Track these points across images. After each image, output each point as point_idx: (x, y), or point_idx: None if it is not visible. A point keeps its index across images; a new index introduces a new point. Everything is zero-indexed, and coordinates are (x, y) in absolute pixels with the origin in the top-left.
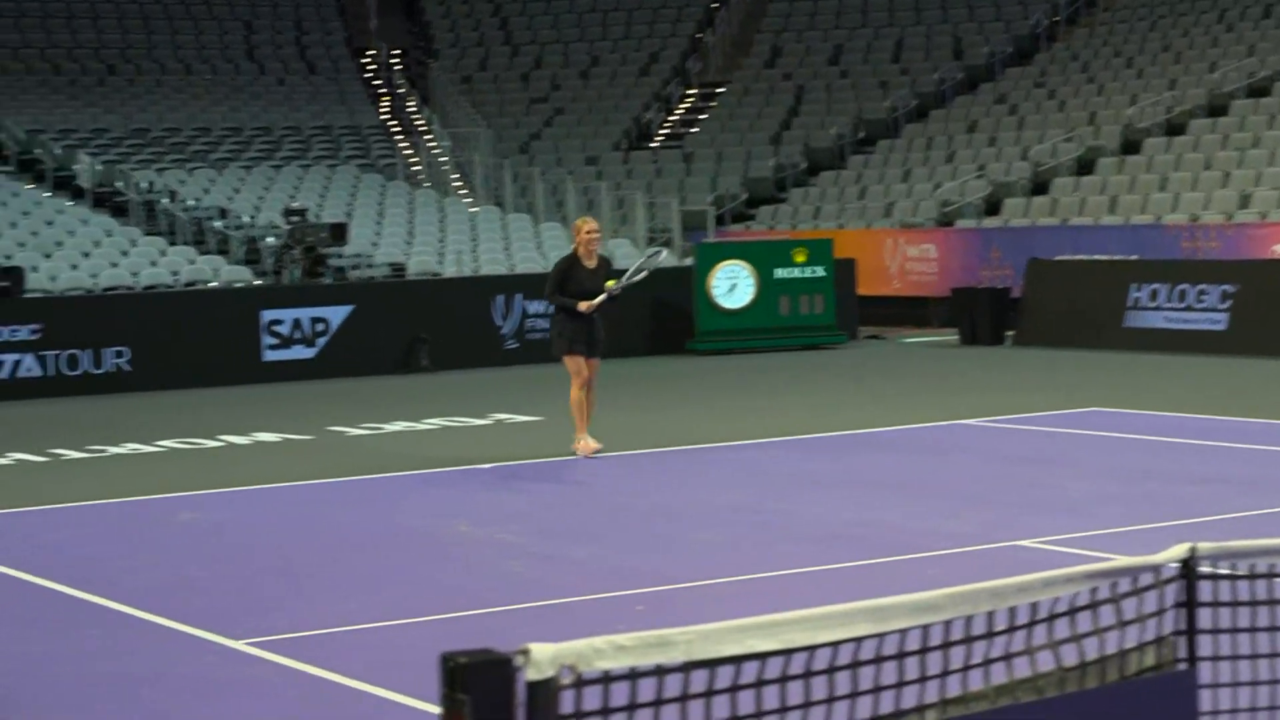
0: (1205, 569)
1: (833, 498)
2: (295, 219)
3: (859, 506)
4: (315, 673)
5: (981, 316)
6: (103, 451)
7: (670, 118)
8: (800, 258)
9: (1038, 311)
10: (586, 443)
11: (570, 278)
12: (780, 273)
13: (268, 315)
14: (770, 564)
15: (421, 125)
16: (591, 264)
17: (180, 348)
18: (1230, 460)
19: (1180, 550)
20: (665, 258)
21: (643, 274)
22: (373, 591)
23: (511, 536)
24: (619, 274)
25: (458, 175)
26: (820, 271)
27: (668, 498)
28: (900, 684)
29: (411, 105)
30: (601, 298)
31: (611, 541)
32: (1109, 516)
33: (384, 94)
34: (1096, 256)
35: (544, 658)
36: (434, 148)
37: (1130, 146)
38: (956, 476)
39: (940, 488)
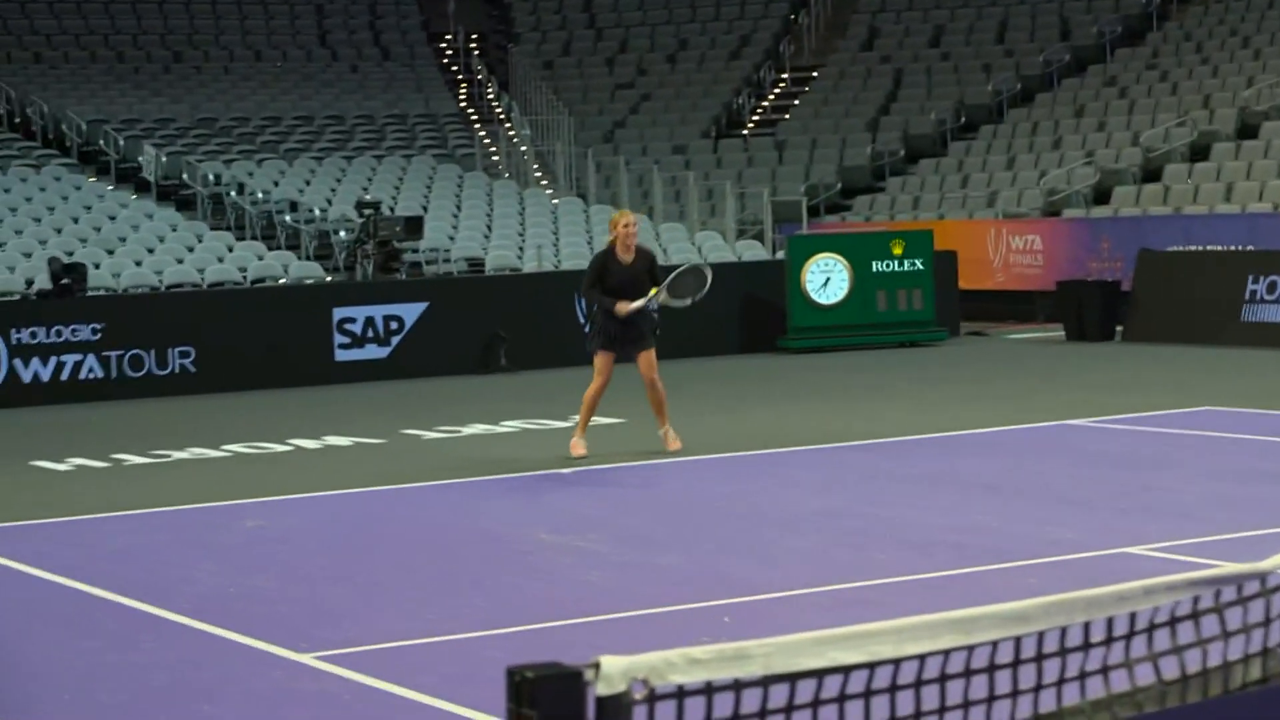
0: None
1: (930, 502)
2: (368, 212)
3: (957, 511)
4: (385, 688)
5: (1090, 311)
6: (166, 456)
7: (762, 104)
8: (898, 250)
9: (1149, 306)
10: (667, 438)
11: (606, 273)
12: (877, 266)
13: (339, 313)
14: (864, 572)
15: (500, 113)
16: (629, 258)
17: (248, 347)
18: None
19: None
20: (709, 282)
21: (688, 301)
22: (446, 602)
23: (592, 544)
24: (663, 270)
25: (538, 165)
26: (919, 264)
27: (756, 502)
28: (990, 699)
29: (490, 92)
30: (638, 303)
31: (697, 549)
32: (1222, 522)
33: (461, 81)
34: (1211, 247)
35: (615, 671)
36: (514, 136)
37: (1247, 130)
38: (1061, 480)
39: (1043, 491)
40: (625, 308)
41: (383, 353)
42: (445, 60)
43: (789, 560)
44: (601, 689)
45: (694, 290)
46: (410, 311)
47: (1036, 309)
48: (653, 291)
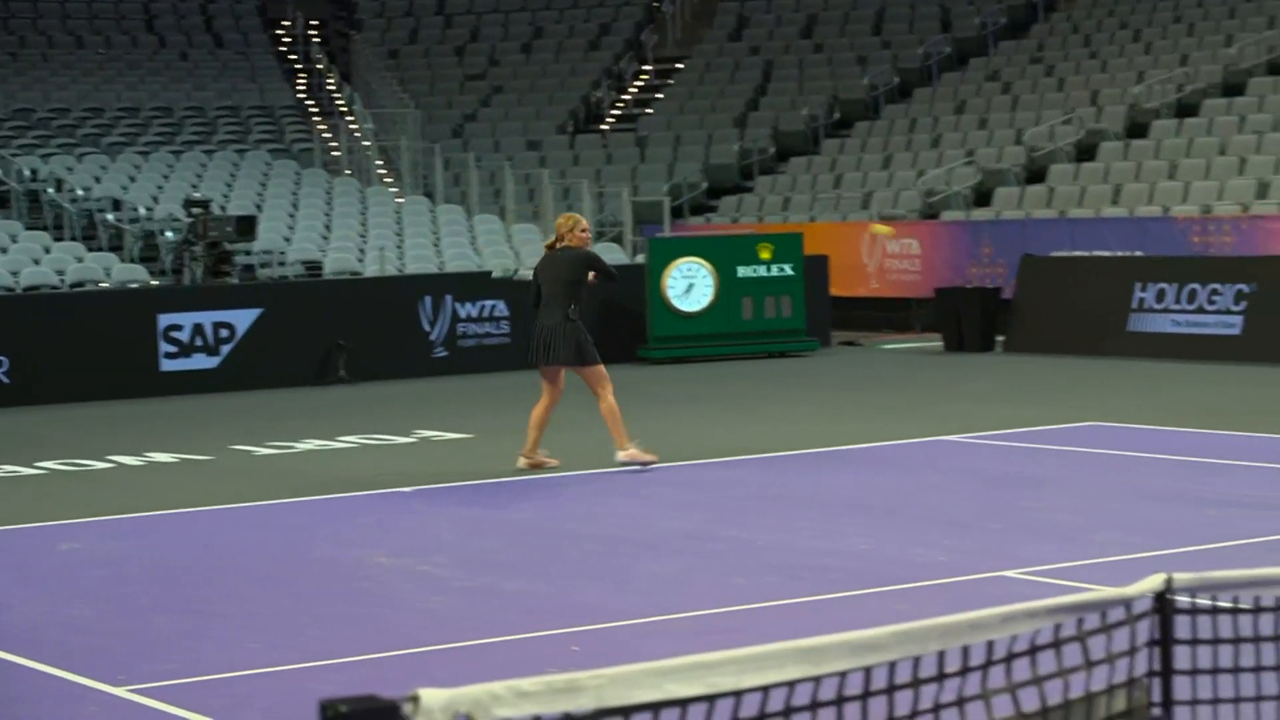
0: (1183, 603)
1: (797, 524)
2: (198, 211)
3: (826, 534)
4: None
5: (969, 320)
6: None
7: (622, 97)
8: (766, 254)
9: (1031, 314)
10: (638, 452)
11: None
12: (743, 271)
13: (165, 320)
14: (725, 598)
15: (342, 105)
16: None
17: (66, 357)
18: (1241, 481)
19: (1155, 581)
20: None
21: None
22: (276, 632)
23: (435, 568)
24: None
25: (382, 162)
26: (788, 270)
27: (612, 523)
28: None
29: (330, 83)
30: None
31: (547, 573)
32: (1106, 544)
33: (300, 70)
34: (1097, 253)
35: (435, 705)
36: (355, 131)
37: (1136, 129)
38: (936, 499)
39: (918, 512)
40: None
41: (212, 363)
42: (282, 48)
43: (645, 585)
44: None
45: None
46: (242, 318)
47: (913, 318)
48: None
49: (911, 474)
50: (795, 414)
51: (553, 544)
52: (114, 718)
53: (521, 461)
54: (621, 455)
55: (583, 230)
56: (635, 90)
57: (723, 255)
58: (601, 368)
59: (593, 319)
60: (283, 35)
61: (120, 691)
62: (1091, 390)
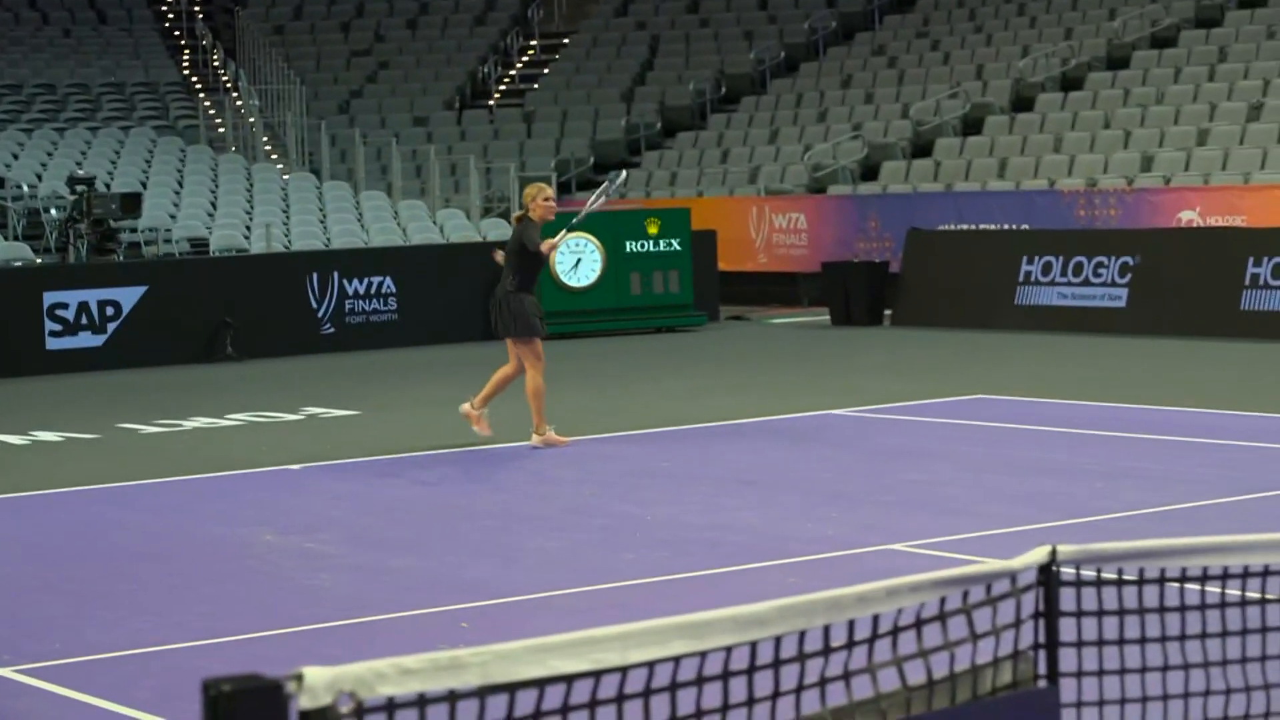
0: (1068, 575)
1: (684, 498)
2: (82, 188)
3: (714, 508)
4: (94, 703)
5: (857, 294)
6: None
7: (509, 73)
8: (653, 229)
9: (919, 288)
10: (552, 435)
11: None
12: (631, 246)
13: (50, 298)
14: (613, 573)
15: (227, 82)
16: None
17: None
18: (1129, 452)
19: (1040, 554)
20: (623, 178)
21: (603, 200)
22: (162, 611)
23: (321, 545)
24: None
25: (268, 138)
26: (676, 245)
27: (500, 499)
28: (725, 708)
29: (215, 59)
30: (562, 234)
31: (434, 550)
32: (994, 517)
33: (184, 46)
34: (984, 226)
35: (319, 683)
36: (241, 107)
37: (1022, 103)
38: (824, 473)
39: (806, 485)
40: (550, 243)
41: (98, 341)
42: (166, 24)
43: (534, 561)
44: (305, 702)
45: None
46: (128, 296)
47: (801, 292)
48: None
49: (800, 447)
50: (684, 388)
51: (441, 520)
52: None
53: (464, 407)
54: (536, 439)
55: (544, 199)
56: (522, 65)
57: (610, 231)
58: (537, 344)
59: (477, 296)
60: (166, 11)
61: (5, 671)
62: (979, 363)
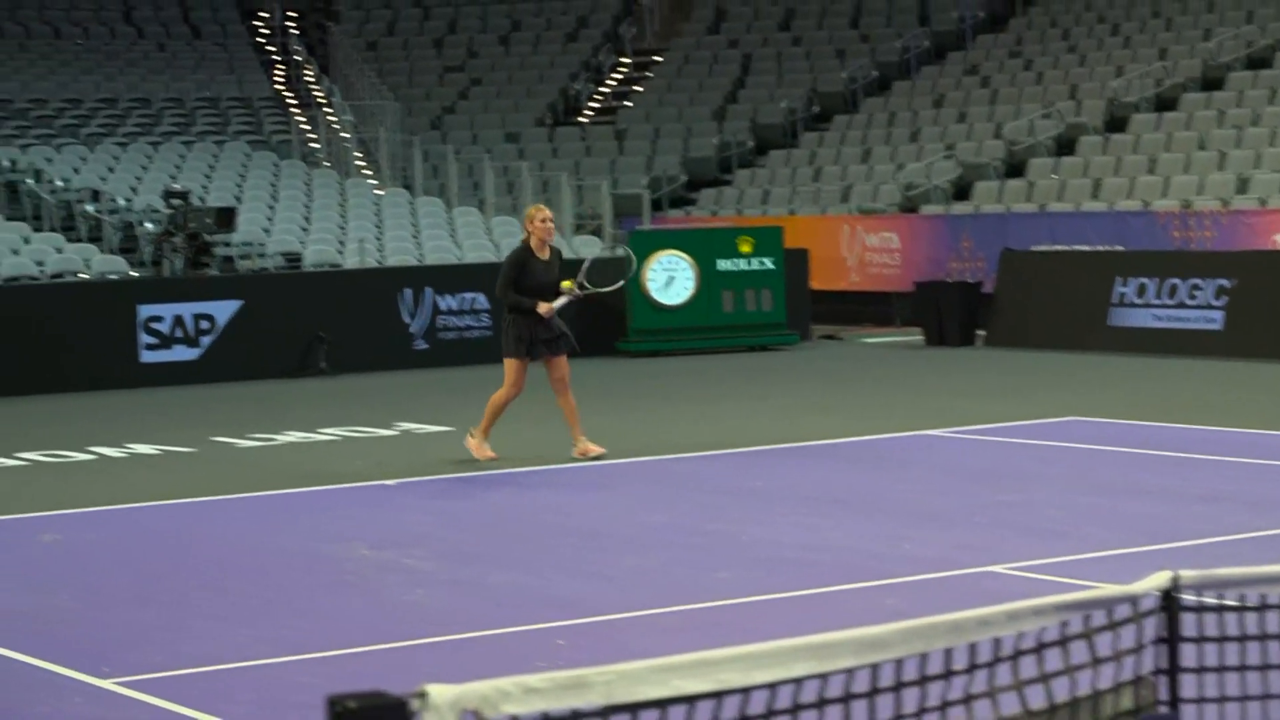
0: (1189, 600)
1: (779, 518)
2: (177, 202)
3: (808, 528)
4: (193, 715)
5: (949, 314)
6: None
7: (601, 89)
8: (746, 248)
9: (1012, 309)
10: (483, 448)
11: (524, 272)
12: (723, 264)
13: (145, 311)
14: (707, 593)
15: (320, 97)
16: (545, 256)
17: (46, 348)
18: (1227, 476)
19: (1161, 579)
20: (634, 264)
21: (619, 284)
22: (259, 624)
23: (416, 561)
24: (573, 265)
25: (361, 153)
26: (768, 263)
27: (593, 517)
28: None
29: (309, 74)
30: (562, 300)
31: (530, 566)
32: (1090, 539)
33: (278, 62)
34: (1077, 247)
35: (443, 701)
36: (334, 122)
37: (1115, 124)
38: (919, 494)
39: (900, 506)
40: (548, 307)
41: (192, 354)
42: (261, 39)
43: (627, 579)
44: None
45: (621, 275)
46: (222, 310)
47: (893, 311)
48: (566, 284)
49: (894, 468)
50: (776, 408)
51: (535, 537)
52: (99, 709)
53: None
54: (470, 441)
55: (542, 220)
56: (614, 83)
57: (703, 248)
58: (509, 364)
59: (573, 310)
60: (261, 26)
61: (105, 684)
62: (1073, 385)
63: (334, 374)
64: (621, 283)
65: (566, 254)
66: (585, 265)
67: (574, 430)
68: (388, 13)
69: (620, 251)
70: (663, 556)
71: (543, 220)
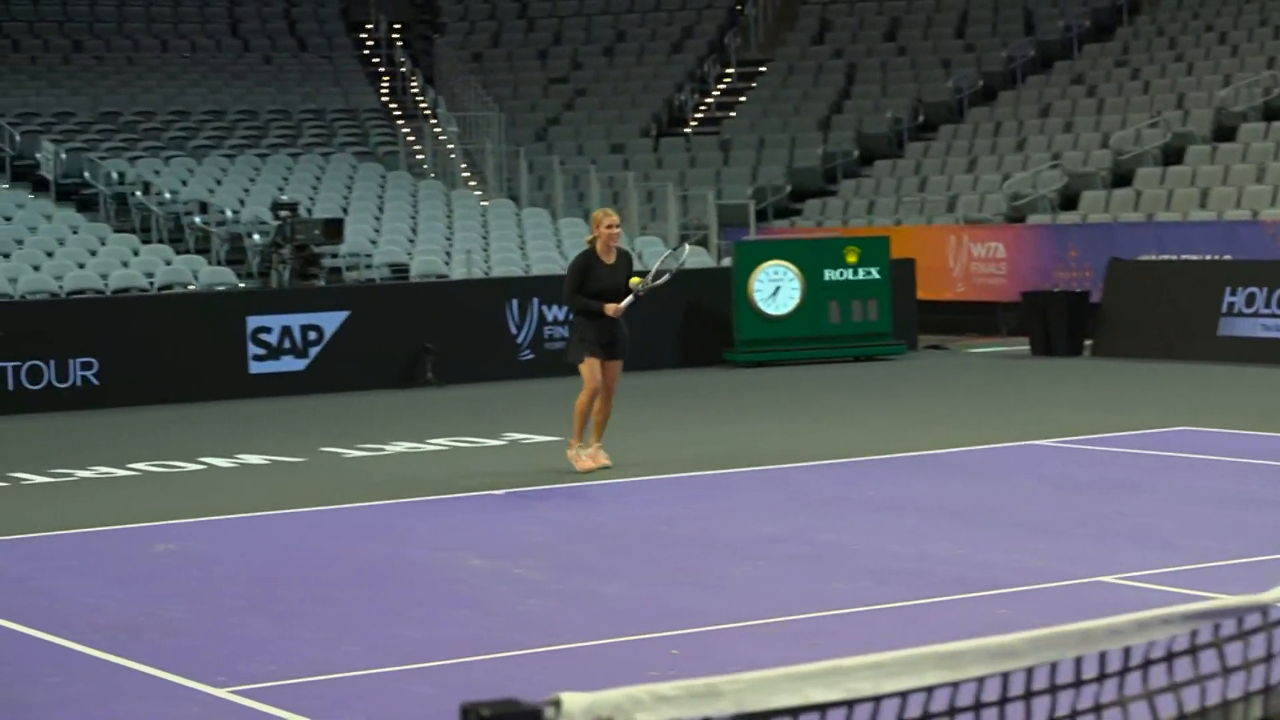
0: None
1: (888, 528)
2: (284, 214)
3: (918, 538)
4: None
5: (1056, 324)
6: (68, 475)
7: (706, 100)
8: (852, 258)
9: (1120, 318)
10: (593, 455)
11: (590, 276)
12: (829, 274)
13: (254, 322)
14: (818, 602)
15: (426, 109)
16: (611, 260)
17: (155, 359)
18: None
19: None
20: (688, 254)
21: (665, 276)
22: (371, 633)
23: (527, 571)
24: (641, 272)
25: (466, 165)
26: (874, 273)
27: (703, 527)
28: None
29: (414, 86)
30: (628, 300)
31: (640, 576)
32: (1202, 550)
33: (384, 74)
34: (1186, 256)
35: (577, 709)
36: (440, 134)
37: (1224, 133)
38: (1028, 504)
39: (1010, 517)
40: (616, 308)
41: (300, 365)
42: (366, 51)
43: (738, 589)
44: None
45: (672, 262)
46: (330, 321)
47: (1000, 321)
48: (635, 280)
49: (1002, 479)
50: (883, 418)
51: (645, 547)
52: (215, 717)
53: (573, 454)
54: (569, 452)
55: (607, 226)
56: (719, 93)
57: (809, 258)
58: (582, 367)
59: (677, 322)
60: (366, 39)
61: (221, 692)
62: (1182, 395)
63: (440, 384)
64: (668, 274)
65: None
66: (654, 268)
67: (596, 434)
68: (492, 24)
69: (679, 248)
70: (774, 567)
71: (609, 225)
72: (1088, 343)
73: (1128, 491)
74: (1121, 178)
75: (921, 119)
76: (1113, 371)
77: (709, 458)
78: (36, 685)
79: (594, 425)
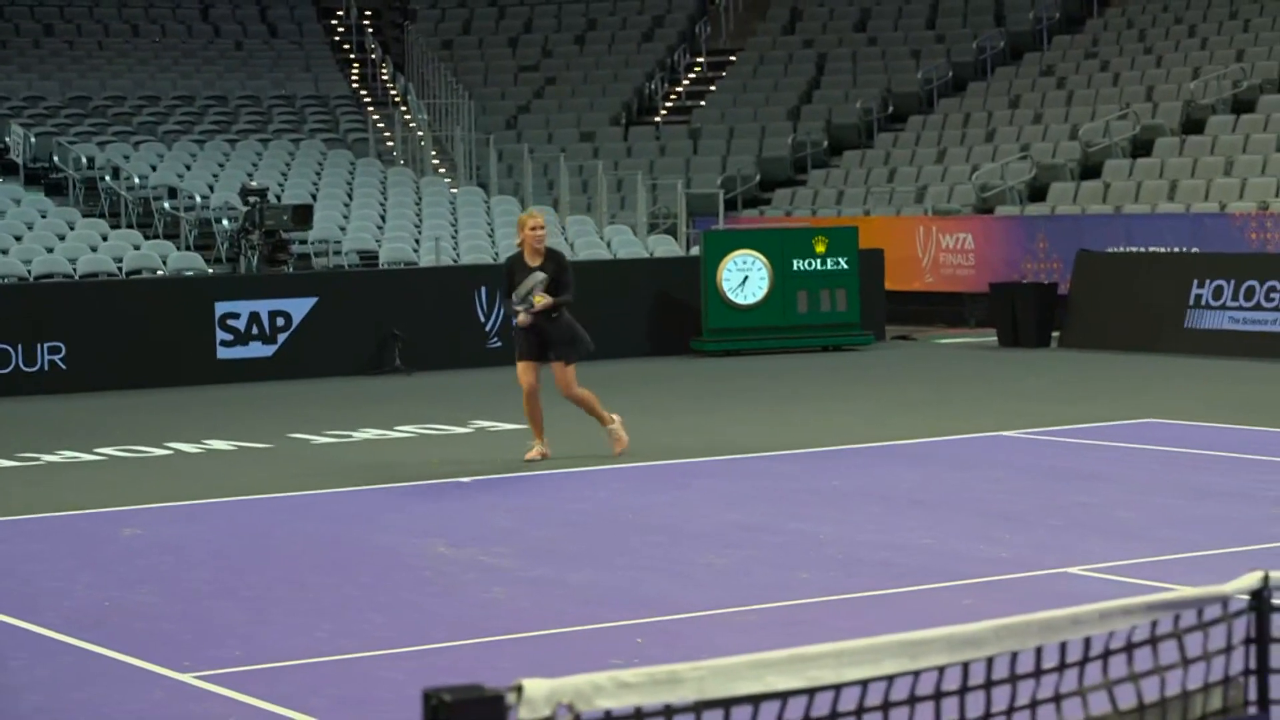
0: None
1: (855, 517)
2: (254, 199)
3: (885, 528)
4: (274, 710)
5: (1024, 315)
6: (35, 459)
7: (676, 89)
8: (821, 248)
9: (1087, 310)
10: (537, 449)
11: (515, 279)
12: (798, 264)
13: (222, 308)
14: (785, 591)
15: (396, 96)
16: (536, 262)
17: (123, 344)
18: None
19: (1252, 579)
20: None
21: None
22: (338, 619)
23: (495, 558)
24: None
25: (436, 152)
26: (843, 263)
27: (671, 515)
28: None
29: (385, 73)
30: (521, 307)
31: (607, 564)
32: (1167, 541)
33: (354, 60)
34: (1154, 249)
35: (539, 695)
36: (410, 121)
37: (1192, 125)
38: (995, 495)
39: (976, 507)
40: (524, 320)
41: (268, 351)
42: (336, 38)
43: (705, 577)
44: (524, 713)
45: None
46: (298, 307)
47: (968, 312)
48: (538, 299)
49: (969, 469)
50: (851, 408)
51: (613, 535)
52: (181, 703)
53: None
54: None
55: (531, 228)
56: (689, 82)
57: (777, 248)
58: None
59: (646, 310)
60: (336, 25)
61: (186, 678)
62: (1149, 387)
63: (409, 372)
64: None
65: (641, 253)
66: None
67: (601, 420)
68: (463, 11)
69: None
70: (741, 555)
71: (532, 228)
72: (1055, 334)
73: (1094, 482)
74: (1090, 169)
75: (891, 109)
76: (1080, 363)
77: (677, 446)
78: (2, 669)
79: (534, 422)
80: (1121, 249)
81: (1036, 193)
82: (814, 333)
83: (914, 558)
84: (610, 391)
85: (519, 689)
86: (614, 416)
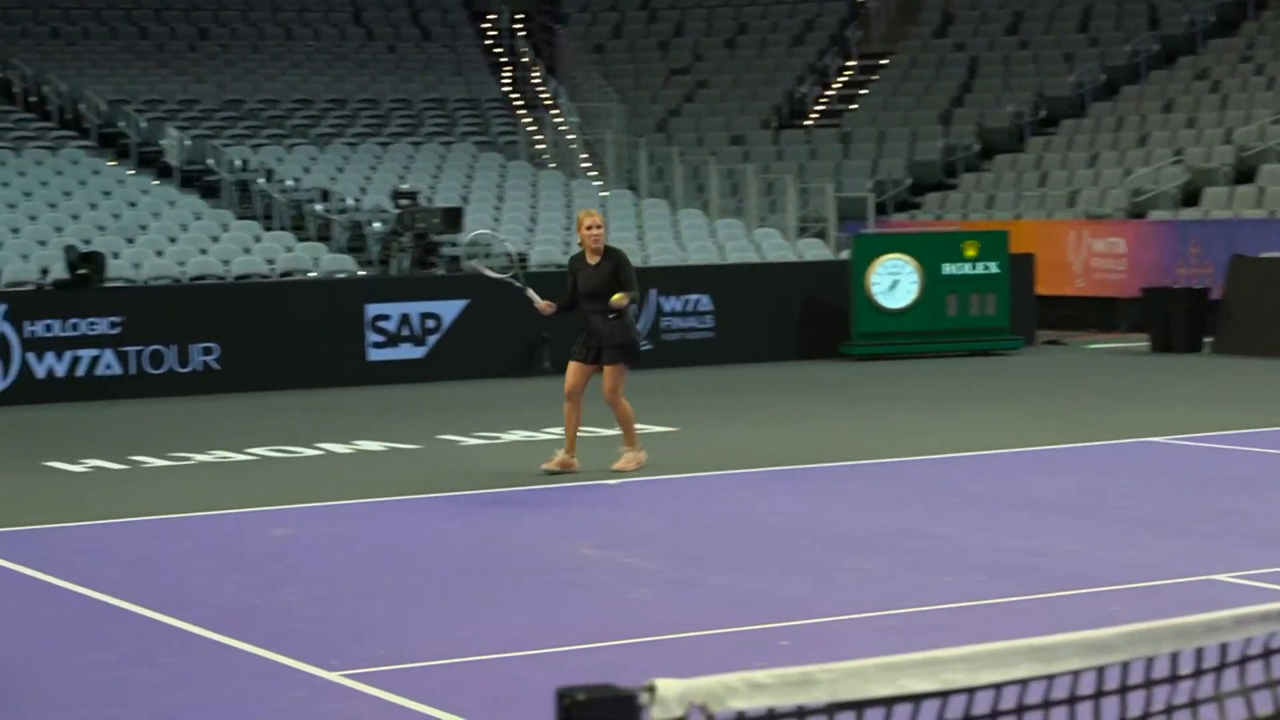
0: None
1: (1002, 523)
2: (405, 202)
3: (1032, 534)
4: (418, 708)
5: (1176, 321)
6: (187, 459)
7: (826, 93)
8: (971, 252)
9: (1240, 316)
10: (558, 459)
11: (575, 277)
12: (948, 268)
13: (373, 310)
14: (930, 596)
15: (547, 99)
16: (594, 261)
17: (275, 345)
18: None
19: None
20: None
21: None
22: (485, 620)
23: (639, 560)
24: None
25: (586, 155)
26: (993, 268)
27: (816, 520)
28: None
29: (536, 76)
30: (518, 291)
31: (752, 568)
32: None
33: (505, 63)
34: None
35: (671, 695)
36: (560, 124)
37: None
38: (1144, 501)
39: (1125, 514)
40: (547, 308)
41: (418, 353)
42: (488, 41)
43: (850, 581)
44: (657, 714)
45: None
46: (448, 309)
47: (1119, 317)
48: (617, 297)
49: (1118, 475)
50: (1000, 413)
51: (757, 538)
52: (326, 701)
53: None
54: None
55: (587, 227)
56: (839, 86)
57: (927, 252)
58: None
59: (795, 315)
60: (488, 28)
61: (333, 675)
62: None
63: (557, 374)
64: (509, 278)
65: (790, 256)
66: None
67: (624, 438)
68: (614, 15)
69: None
70: (885, 560)
71: (588, 227)
72: (1207, 340)
73: (1245, 489)
74: (1244, 174)
75: (1043, 113)
76: (1233, 369)
77: (824, 451)
78: (153, 666)
79: (566, 430)
80: (1276, 254)
81: (1190, 197)
82: (963, 337)
83: (1059, 564)
84: (760, 395)
85: (652, 689)
86: (641, 450)
